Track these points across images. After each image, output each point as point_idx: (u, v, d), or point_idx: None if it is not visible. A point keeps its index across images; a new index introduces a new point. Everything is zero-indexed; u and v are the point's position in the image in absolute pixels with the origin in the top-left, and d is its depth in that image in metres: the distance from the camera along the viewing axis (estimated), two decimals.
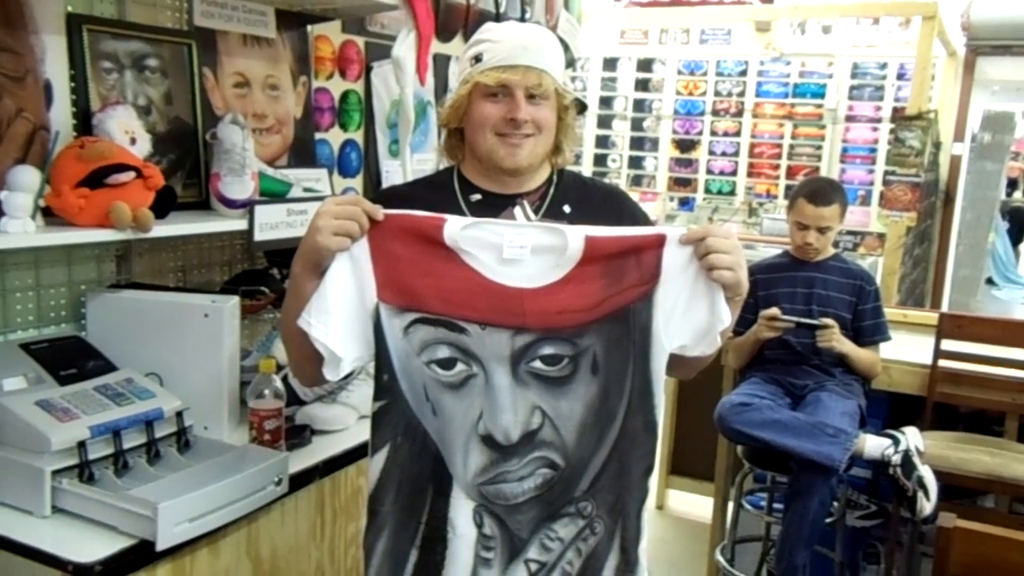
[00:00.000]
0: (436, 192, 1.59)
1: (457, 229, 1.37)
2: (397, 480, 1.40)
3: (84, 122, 1.90)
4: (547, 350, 1.37)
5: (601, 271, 1.38)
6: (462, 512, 1.39)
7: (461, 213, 1.55)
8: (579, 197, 1.61)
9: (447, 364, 1.38)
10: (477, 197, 1.58)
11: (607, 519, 1.41)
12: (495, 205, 1.56)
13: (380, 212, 1.38)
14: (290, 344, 1.51)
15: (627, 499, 1.41)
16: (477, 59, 1.51)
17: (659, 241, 1.39)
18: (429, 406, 1.39)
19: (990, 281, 8.82)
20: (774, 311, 2.81)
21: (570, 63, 3.67)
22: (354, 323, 1.39)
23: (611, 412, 1.40)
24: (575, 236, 1.37)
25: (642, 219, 1.64)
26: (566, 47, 3.47)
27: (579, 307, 1.38)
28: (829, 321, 2.79)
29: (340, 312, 1.38)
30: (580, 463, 1.39)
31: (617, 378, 1.39)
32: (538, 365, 1.37)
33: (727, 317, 1.39)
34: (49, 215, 1.71)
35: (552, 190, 1.60)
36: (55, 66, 1.87)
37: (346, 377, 1.78)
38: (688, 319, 1.40)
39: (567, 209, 1.58)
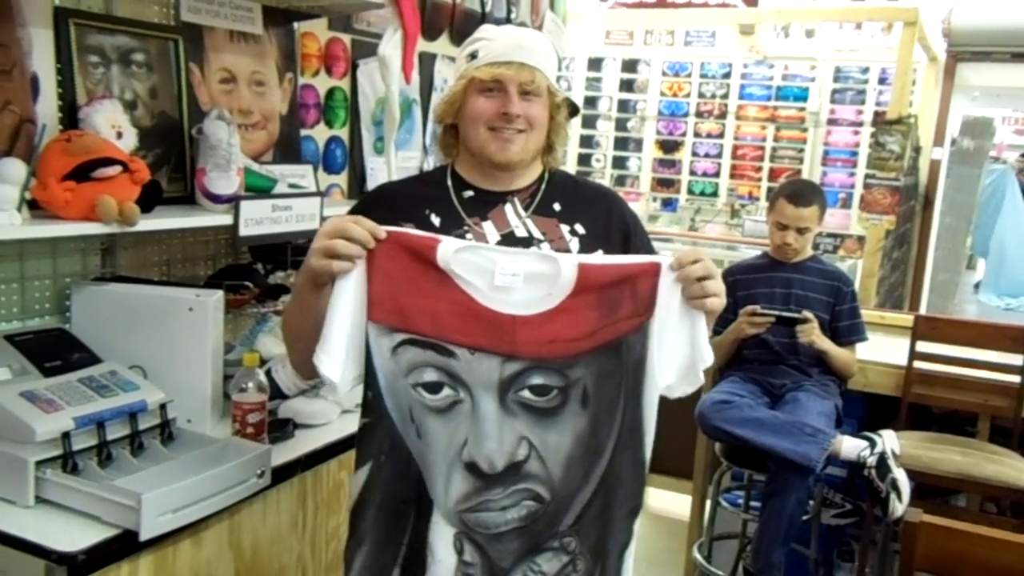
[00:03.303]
0: (430, 189, 1.61)
1: (450, 252, 1.36)
2: (379, 498, 1.40)
3: (70, 116, 1.91)
4: (536, 380, 1.36)
5: (595, 301, 1.37)
6: (442, 538, 1.38)
7: (454, 209, 1.57)
8: (569, 195, 1.63)
9: (434, 388, 1.37)
10: (470, 194, 1.59)
11: (588, 558, 1.39)
12: (487, 201, 1.58)
13: (382, 231, 1.37)
14: (290, 345, 1.54)
15: (608, 540, 1.40)
16: (473, 56, 1.54)
17: (654, 271, 1.38)
18: (414, 428, 1.38)
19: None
20: (754, 307, 2.85)
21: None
22: (353, 343, 1.38)
23: (600, 446, 1.38)
24: (568, 264, 1.37)
25: (630, 218, 1.66)
26: None
27: (571, 337, 1.36)
28: (809, 314, 2.83)
29: (339, 337, 1.37)
30: (566, 497, 1.38)
31: (607, 412, 1.38)
32: (527, 395, 1.36)
33: (709, 356, 1.39)
34: (35, 208, 1.72)
35: (543, 188, 1.62)
36: (42, 59, 1.88)
37: None
38: (673, 355, 1.39)
39: (557, 207, 1.60)
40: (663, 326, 1.38)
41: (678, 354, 1.39)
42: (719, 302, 1.38)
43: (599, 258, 1.41)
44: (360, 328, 1.37)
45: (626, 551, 1.42)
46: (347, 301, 1.37)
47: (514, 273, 1.36)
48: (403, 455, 1.39)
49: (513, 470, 1.36)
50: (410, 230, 1.41)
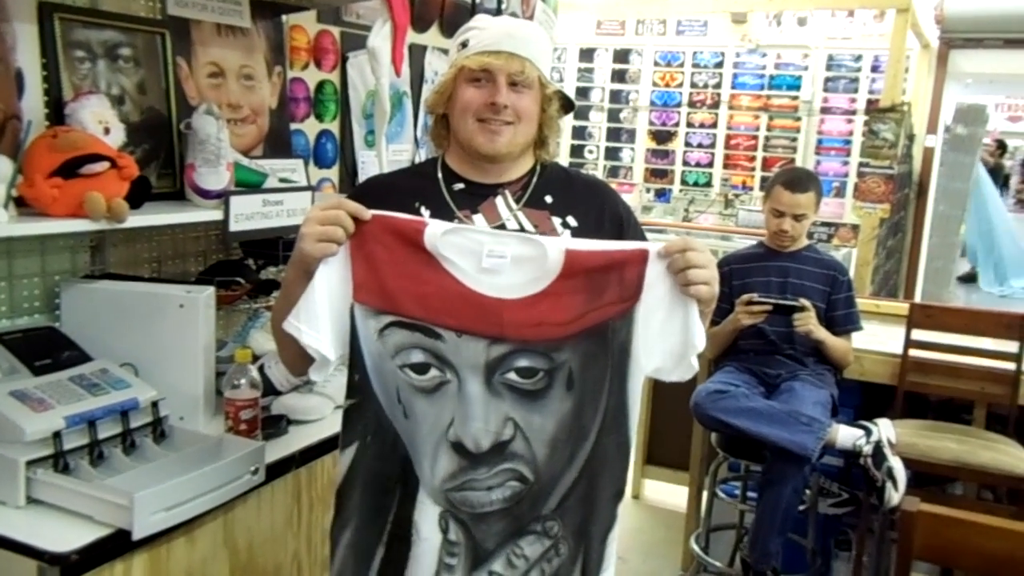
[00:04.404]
0: (420, 181, 1.60)
1: (438, 234, 1.37)
2: (364, 477, 1.41)
3: (57, 111, 1.89)
4: (522, 362, 1.37)
5: (581, 285, 1.37)
6: (427, 516, 1.39)
7: (444, 202, 1.55)
8: (561, 188, 1.62)
9: (421, 369, 1.37)
10: (460, 186, 1.58)
11: (571, 541, 1.40)
12: (477, 194, 1.57)
13: (367, 213, 1.38)
14: (281, 344, 1.53)
15: (592, 523, 1.41)
16: (464, 45, 1.53)
17: (641, 257, 1.37)
18: (401, 408, 1.39)
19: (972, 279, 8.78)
20: (750, 296, 2.84)
21: None
22: (339, 324, 1.39)
23: (584, 430, 1.39)
24: (554, 248, 1.36)
25: (623, 211, 1.65)
26: None
27: (557, 320, 1.36)
28: (806, 302, 2.82)
29: (327, 315, 1.38)
30: (550, 480, 1.39)
31: (592, 395, 1.39)
32: (513, 377, 1.37)
33: (701, 342, 1.38)
34: (22, 205, 1.69)
35: (535, 180, 1.61)
36: (26, 55, 1.85)
37: None
38: (663, 341, 1.38)
39: (549, 199, 1.59)
40: (650, 312, 1.37)
41: (669, 340, 1.39)
42: (707, 290, 1.36)
43: (586, 243, 1.40)
44: (344, 310, 1.38)
45: (609, 535, 1.42)
46: (330, 281, 1.38)
47: (501, 255, 1.36)
48: (389, 435, 1.40)
49: (498, 450, 1.37)
50: (396, 214, 1.40)
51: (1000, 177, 10.66)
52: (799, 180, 2.93)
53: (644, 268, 1.37)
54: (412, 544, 1.39)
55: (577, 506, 1.40)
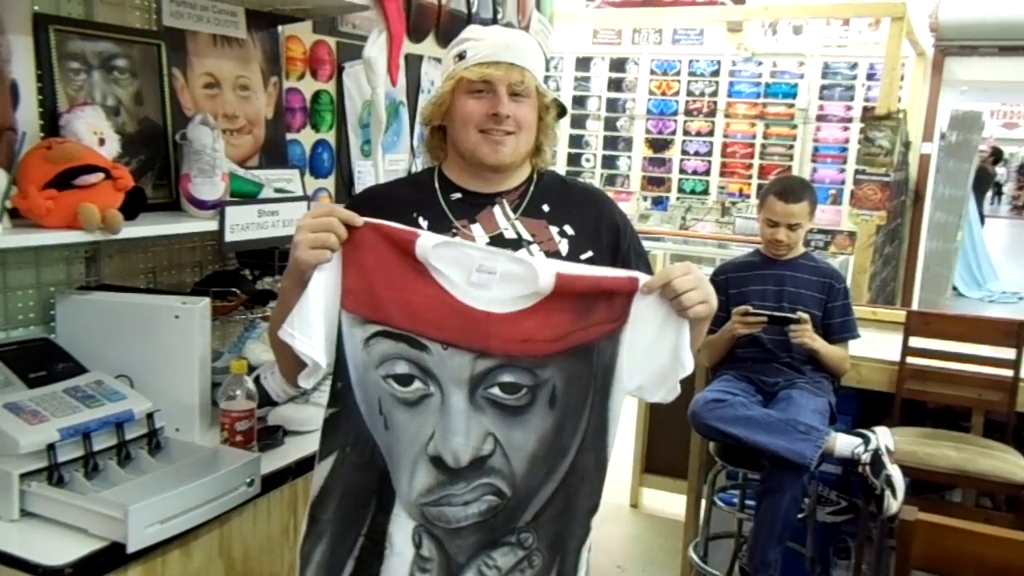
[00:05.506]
0: (417, 191, 1.60)
1: (429, 246, 1.37)
2: (341, 489, 1.40)
3: (51, 123, 1.88)
4: (507, 377, 1.37)
5: (570, 305, 1.37)
6: (401, 530, 1.39)
7: (442, 212, 1.55)
8: (558, 196, 1.62)
9: (404, 380, 1.37)
10: (457, 196, 1.58)
11: (546, 553, 1.40)
12: (475, 204, 1.57)
13: (359, 219, 1.38)
14: (279, 354, 1.53)
15: (568, 536, 1.41)
16: (461, 57, 1.53)
17: (631, 286, 1.38)
18: (381, 420, 1.39)
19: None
20: (746, 307, 2.84)
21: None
22: (331, 331, 1.39)
23: (564, 447, 1.39)
24: (546, 272, 1.36)
25: (620, 219, 1.65)
26: None
27: (544, 337, 1.37)
28: (803, 315, 2.82)
29: (321, 322, 1.38)
30: (527, 494, 1.39)
31: (574, 414, 1.39)
32: (496, 392, 1.37)
33: (689, 364, 1.38)
34: (16, 217, 1.69)
35: (532, 189, 1.60)
36: (21, 66, 1.85)
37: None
38: (649, 361, 1.39)
39: (546, 208, 1.59)
40: (637, 334, 1.38)
41: (655, 362, 1.39)
42: (705, 308, 1.37)
43: (578, 268, 1.40)
44: (333, 317, 1.38)
45: (583, 546, 1.42)
46: (325, 288, 1.38)
47: (491, 271, 1.37)
48: (368, 446, 1.40)
49: (477, 465, 1.37)
50: (390, 223, 1.40)
51: (987, 183, 10.68)
52: (792, 190, 2.93)
53: (633, 294, 1.38)
54: (384, 558, 1.39)
55: (553, 520, 1.40)
